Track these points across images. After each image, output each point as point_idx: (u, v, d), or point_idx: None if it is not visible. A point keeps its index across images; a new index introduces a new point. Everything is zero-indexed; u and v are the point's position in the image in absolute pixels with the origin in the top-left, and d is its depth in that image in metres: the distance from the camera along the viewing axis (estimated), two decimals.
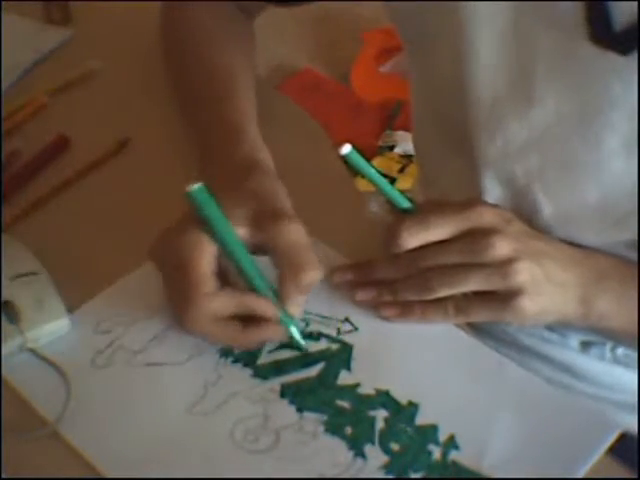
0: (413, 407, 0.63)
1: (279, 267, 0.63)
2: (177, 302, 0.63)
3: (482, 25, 0.67)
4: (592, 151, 0.67)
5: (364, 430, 0.61)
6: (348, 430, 0.61)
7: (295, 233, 0.63)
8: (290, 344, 0.66)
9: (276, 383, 0.64)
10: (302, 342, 0.65)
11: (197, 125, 0.78)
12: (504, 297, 0.64)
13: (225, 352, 0.65)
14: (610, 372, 0.79)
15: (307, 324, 0.67)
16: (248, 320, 0.63)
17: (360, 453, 0.60)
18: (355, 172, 0.67)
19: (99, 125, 0.86)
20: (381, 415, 0.62)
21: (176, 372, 0.65)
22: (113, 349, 0.66)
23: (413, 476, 0.59)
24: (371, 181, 0.66)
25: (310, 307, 0.67)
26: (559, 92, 0.66)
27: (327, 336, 0.67)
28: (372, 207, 0.67)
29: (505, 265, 0.63)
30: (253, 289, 0.63)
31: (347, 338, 0.67)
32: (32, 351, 0.66)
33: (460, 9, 0.67)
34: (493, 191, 0.74)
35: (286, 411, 0.62)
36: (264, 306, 0.63)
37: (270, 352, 0.66)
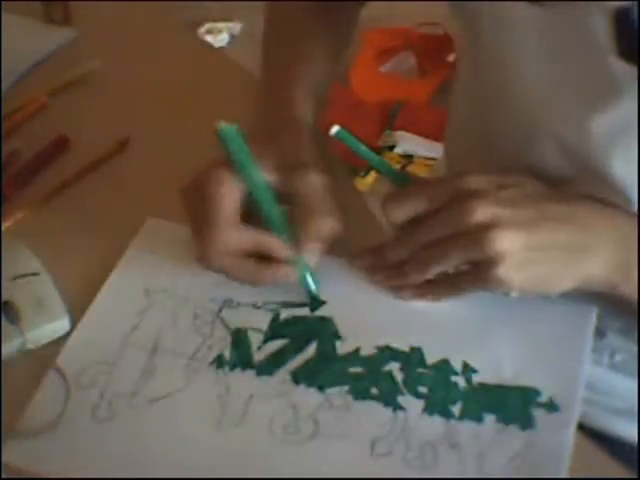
0: (417, 351, 0.64)
1: (300, 214, 0.65)
2: (197, 234, 0.65)
3: (520, 41, 0.67)
4: (624, 166, 0.66)
5: (389, 385, 0.63)
6: (374, 391, 0.63)
7: (315, 182, 0.65)
8: (275, 335, 0.66)
9: (283, 373, 0.64)
10: (313, 287, 0.67)
11: (264, 69, 0.81)
12: (483, 267, 0.61)
13: (220, 363, 0.65)
14: (607, 378, 0.79)
15: (278, 314, 0.67)
16: (264, 260, 0.65)
17: (397, 406, 0.62)
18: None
19: (99, 125, 0.86)
20: (394, 367, 0.64)
21: (182, 398, 0.63)
22: (108, 399, 0.63)
23: (454, 410, 0.61)
24: (365, 158, 0.67)
25: (271, 297, 0.68)
26: (590, 109, 0.66)
27: (304, 317, 0.67)
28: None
29: (480, 232, 0.60)
30: (273, 230, 0.65)
31: (322, 313, 0.67)
32: (32, 351, 0.66)
33: (502, 29, 0.68)
34: None
35: (309, 395, 0.63)
36: (277, 246, 0.65)
37: (259, 349, 0.65)
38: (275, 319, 0.67)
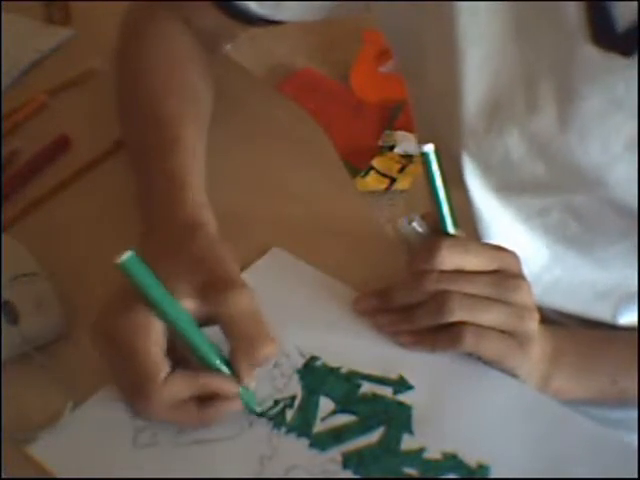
0: (484, 469, 0.59)
1: (231, 340, 0.59)
2: (128, 390, 0.60)
3: (481, 32, 0.66)
4: (597, 155, 0.66)
5: None
6: None
7: (245, 303, 0.59)
8: (347, 409, 0.63)
9: (336, 452, 0.60)
10: (257, 410, 0.62)
11: (140, 178, 0.74)
12: (522, 339, 0.63)
13: (278, 422, 0.61)
14: None
15: (359, 386, 0.64)
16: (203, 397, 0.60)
17: None
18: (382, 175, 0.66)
19: (99, 125, 0.86)
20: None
21: (227, 448, 0.60)
22: (155, 427, 0.61)
23: None
24: (432, 191, 0.63)
25: (360, 366, 0.65)
26: (561, 98, 0.66)
27: (382, 398, 0.63)
28: (401, 227, 0.66)
29: (527, 310, 0.63)
30: (205, 364, 0.59)
31: (403, 398, 0.63)
32: (32, 352, 0.66)
33: (455, 14, 0.66)
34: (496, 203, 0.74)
35: None
36: (224, 384, 0.59)
37: (324, 419, 0.62)
38: (353, 391, 0.63)
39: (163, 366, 0.58)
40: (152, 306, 0.57)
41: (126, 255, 0.53)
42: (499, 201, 0.75)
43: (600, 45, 0.62)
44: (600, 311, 0.78)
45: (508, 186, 0.73)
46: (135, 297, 0.57)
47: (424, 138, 0.84)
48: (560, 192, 0.72)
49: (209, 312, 0.59)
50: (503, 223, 0.76)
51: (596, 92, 0.64)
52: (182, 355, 0.59)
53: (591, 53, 0.62)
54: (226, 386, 0.59)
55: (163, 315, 0.57)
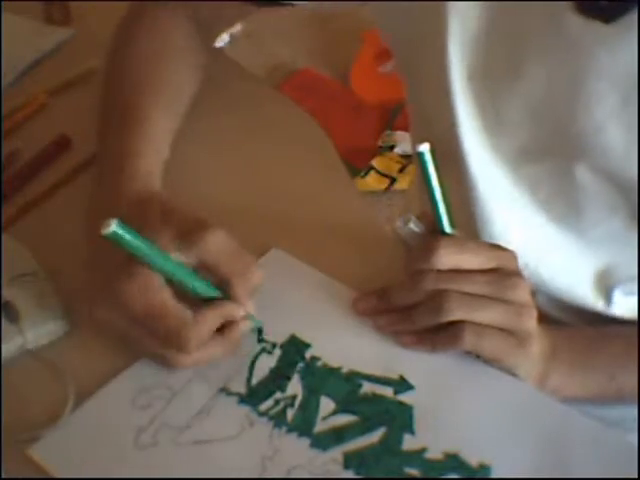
0: (485, 469, 0.59)
1: (223, 273, 0.62)
2: (162, 346, 0.61)
3: (467, 5, 0.67)
4: (582, 121, 0.67)
5: None
6: None
7: (224, 238, 0.62)
8: (347, 409, 0.63)
9: (337, 452, 0.60)
10: (260, 324, 0.66)
11: (100, 148, 0.76)
12: (521, 337, 0.63)
13: (279, 422, 0.62)
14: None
15: (360, 386, 0.64)
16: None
17: None
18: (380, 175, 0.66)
19: None
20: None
21: (228, 448, 0.60)
22: (156, 427, 0.61)
23: None
24: (429, 191, 0.64)
25: (360, 366, 0.65)
26: (548, 64, 0.67)
27: (383, 397, 0.63)
28: (398, 227, 0.66)
29: (525, 308, 0.63)
30: (211, 299, 0.62)
31: (404, 398, 0.63)
32: (32, 351, 0.66)
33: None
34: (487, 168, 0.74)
35: None
36: (235, 309, 0.63)
37: (325, 419, 0.62)
38: (354, 391, 0.63)
39: (185, 311, 0.60)
40: (148, 263, 0.59)
41: (113, 224, 0.55)
42: (494, 174, 0.75)
43: (582, 13, 0.63)
44: (595, 299, 0.78)
45: (501, 150, 0.73)
46: (128, 262, 0.59)
47: (420, 134, 0.85)
48: (550, 158, 0.72)
49: (192, 258, 0.61)
50: (498, 203, 0.76)
51: (579, 61, 0.65)
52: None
53: (574, 22, 0.63)
54: (236, 310, 0.63)
55: (161, 269, 0.60)
